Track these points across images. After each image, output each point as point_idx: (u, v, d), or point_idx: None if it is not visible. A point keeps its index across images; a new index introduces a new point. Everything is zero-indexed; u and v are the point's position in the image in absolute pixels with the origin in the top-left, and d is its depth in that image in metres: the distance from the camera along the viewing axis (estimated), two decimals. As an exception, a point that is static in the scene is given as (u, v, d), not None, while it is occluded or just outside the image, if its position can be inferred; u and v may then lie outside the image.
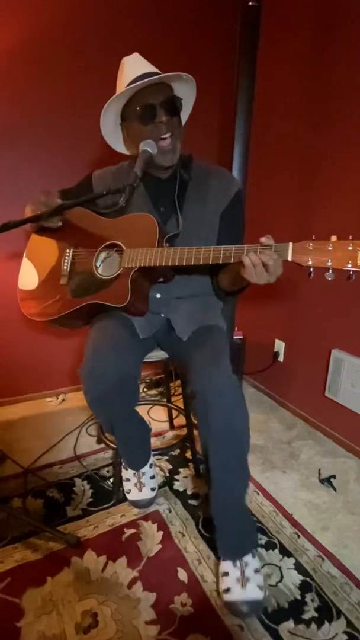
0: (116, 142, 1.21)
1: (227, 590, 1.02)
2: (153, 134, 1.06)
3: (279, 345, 2.04)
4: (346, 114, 1.52)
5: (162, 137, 1.06)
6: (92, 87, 1.76)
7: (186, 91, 1.13)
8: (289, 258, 0.87)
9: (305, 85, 1.68)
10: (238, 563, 1.04)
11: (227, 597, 1.02)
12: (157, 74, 1.06)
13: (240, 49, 1.50)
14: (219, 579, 1.06)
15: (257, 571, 1.05)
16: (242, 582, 1.02)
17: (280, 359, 2.04)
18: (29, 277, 1.30)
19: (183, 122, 1.19)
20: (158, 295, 1.20)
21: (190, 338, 1.16)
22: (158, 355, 1.32)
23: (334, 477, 1.51)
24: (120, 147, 1.22)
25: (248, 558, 1.05)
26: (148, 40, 1.80)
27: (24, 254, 1.35)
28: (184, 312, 1.21)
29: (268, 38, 1.63)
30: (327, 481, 1.49)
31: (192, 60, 1.90)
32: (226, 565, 1.06)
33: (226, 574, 1.05)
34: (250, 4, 1.44)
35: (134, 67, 1.08)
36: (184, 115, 1.19)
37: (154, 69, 1.09)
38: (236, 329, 1.96)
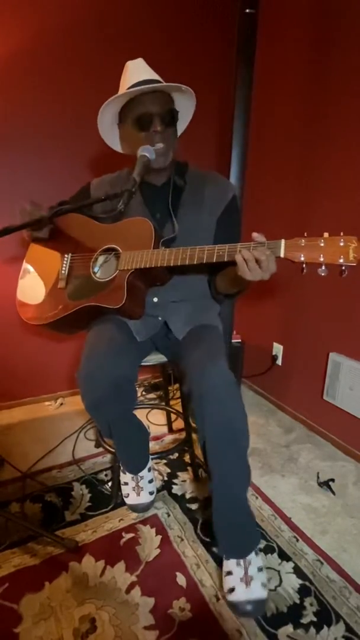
0: (112, 140, 1.22)
1: (232, 590, 1.02)
2: (147, 141, 1.07)
3: (277, 349, 2.04)
4: (343, 119, 1.53)
5: (155, 145, 1.08)
6: (90, 94, 1.76)
7: (185, 102, 1.15)
8: (282, 255, 0.87)
9: (303, 90, 1.70)
10: (242, 562, 1.04)
11: (231, 597, 1.01)
12: (158, 81, 1.08)
13: (238, 55, 1.51)
14: (223, 578, 1.06)
15: (260, 569, 1.04)
16: (246, 581, 1.01)
17: (279, 362, 2.04)
18: (31, 290, 1.30)
19: (180, 132, 1.21)
20: (155, 300, 1.21)
21: (186, 337, 1.16)
22: (156, 358, 1.32)
23: (333, 480, 1.51)
24: (116, 146, 1.24)
25: (251, 556, 1.05)
26: (146, 47, 1.80)
27: (24, 262, 1.35)
28: (181, 314, 1.21)
29: (265, 44, 1.64)
30: (326, 485, 1.49)
31: (190, 67, 1.93)
32: (230, 564, 1.05)
33: (230, 573, 1.04)
34: (247, 11, 1.46)
35: (137, 71, 1.10)
36: (181, 126, 1.21)
37: (156, 77, 1.11)
38: (235, 332, 1.97)
